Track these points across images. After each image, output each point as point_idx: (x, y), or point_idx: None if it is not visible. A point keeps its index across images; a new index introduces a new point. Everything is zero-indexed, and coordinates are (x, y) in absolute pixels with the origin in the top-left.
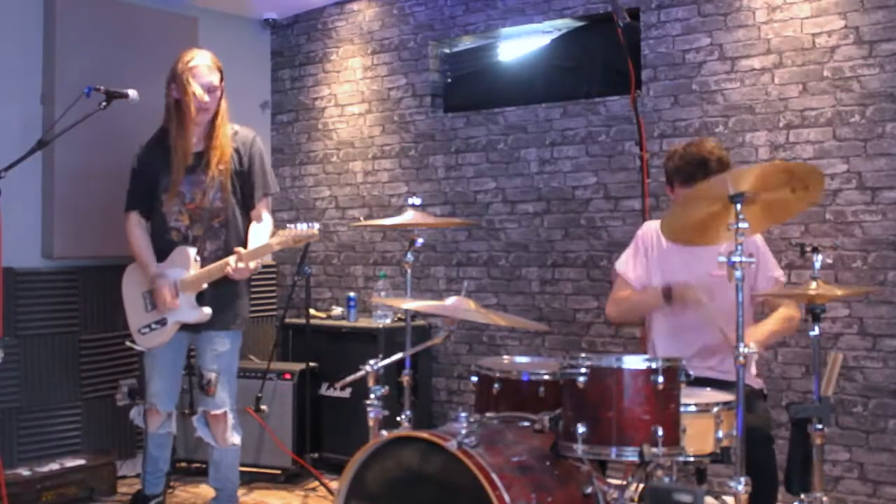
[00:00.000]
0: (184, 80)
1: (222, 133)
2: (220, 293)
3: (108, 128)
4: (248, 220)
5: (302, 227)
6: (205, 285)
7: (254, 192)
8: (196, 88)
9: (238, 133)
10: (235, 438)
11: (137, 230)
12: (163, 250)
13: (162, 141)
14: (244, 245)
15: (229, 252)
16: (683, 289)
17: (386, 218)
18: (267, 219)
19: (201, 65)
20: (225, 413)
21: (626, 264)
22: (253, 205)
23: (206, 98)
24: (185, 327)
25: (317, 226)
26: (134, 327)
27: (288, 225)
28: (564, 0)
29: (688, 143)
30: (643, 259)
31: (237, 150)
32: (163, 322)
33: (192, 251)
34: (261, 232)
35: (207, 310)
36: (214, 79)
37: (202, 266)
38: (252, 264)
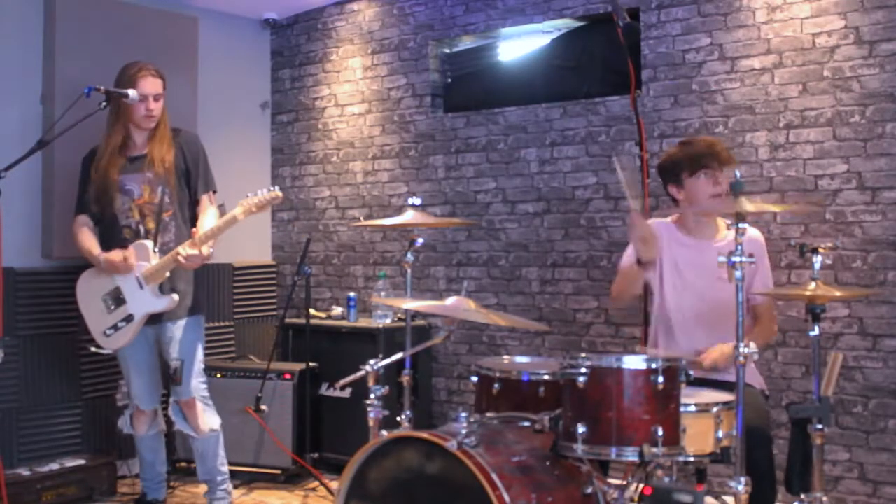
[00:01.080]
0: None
1: (165, 135)
2: (175, 282)
3: None
4: (194, 214)
5: (262, 193)
6: (167, 274)
7: (197, 187)
8: (138, 109)
9: (181, 133)
10: (213, 423)
11: (84, 228)
12: (118, 248)
13: (108, 145)
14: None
15: (181, 242)
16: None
17: (386, 218)
18: (212, 210)
19: (148, 76)
20: (194, 399)
21: (627, 254)
22: (197, 200)
23: (153, 106)
24: (148, 321)
25: (277, 188)
26: (97, 331)
27: (248, 193)
28: (564, 0)
29: (683, 140)
30: None
31: (181, 148)
32: (129, 318)
33: (150, 244)
34: (208, 219)
35: (175, 296)
36: (161, 87)
37: (161, 258)
38: (206, 250)
